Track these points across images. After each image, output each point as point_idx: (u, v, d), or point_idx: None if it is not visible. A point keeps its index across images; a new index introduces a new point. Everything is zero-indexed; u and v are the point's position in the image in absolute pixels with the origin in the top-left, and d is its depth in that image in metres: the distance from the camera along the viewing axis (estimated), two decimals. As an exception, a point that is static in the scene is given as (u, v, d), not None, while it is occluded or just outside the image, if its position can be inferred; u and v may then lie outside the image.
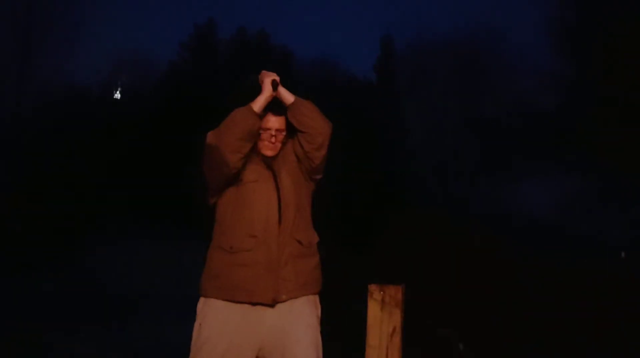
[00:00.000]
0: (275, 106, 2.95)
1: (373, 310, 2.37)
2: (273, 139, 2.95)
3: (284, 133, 2.97)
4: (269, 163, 2.96)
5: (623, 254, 12.43)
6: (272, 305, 2.80)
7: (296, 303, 2.85)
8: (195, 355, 2.85)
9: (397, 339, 2.34)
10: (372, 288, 2.41)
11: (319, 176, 3.03)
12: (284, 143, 3.02)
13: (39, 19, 22.39)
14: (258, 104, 2.85)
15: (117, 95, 26.99)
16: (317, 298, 2.93)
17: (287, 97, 2.89)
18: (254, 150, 2.96)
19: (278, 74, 2.92)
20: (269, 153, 2.96)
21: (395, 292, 2.36)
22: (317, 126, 2.89)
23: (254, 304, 2.80)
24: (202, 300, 2.91)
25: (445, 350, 5.49)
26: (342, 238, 12.59)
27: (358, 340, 2.76)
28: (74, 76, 23.03)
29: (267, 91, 2.86)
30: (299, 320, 2.83)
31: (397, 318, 2.34)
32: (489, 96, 24.50)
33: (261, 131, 2.94)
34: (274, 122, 2.95)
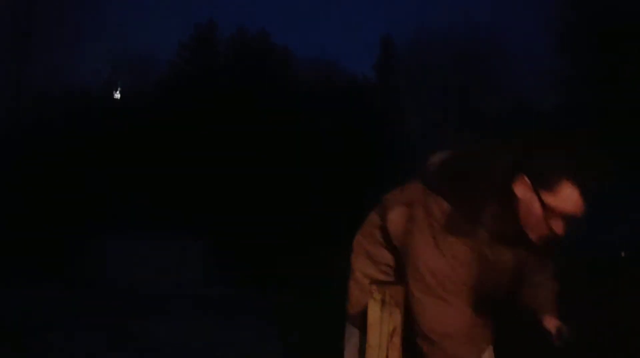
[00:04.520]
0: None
1: (373, 310, 2.36)
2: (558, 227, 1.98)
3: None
4: None
5: (623, 254, 12.44)
6: None
7: None
8: None
9: (397, 339, 2.33)
10: (372, 288, 2.39)
11: None
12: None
13: (39, 19, 22.40)
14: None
15: (117, 95, 27.01)
16: None
17: None
18: None
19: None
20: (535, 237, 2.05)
21: (395, 292, 2.35)
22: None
23: None
24: None
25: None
26: (342, 238, 12.58)
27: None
28: (74, 76, 23.05)
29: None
30: None
31: (397, 318, 2.33)
32: (489, 95, 24.53)
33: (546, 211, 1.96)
34: (573, 206, 1.95)
